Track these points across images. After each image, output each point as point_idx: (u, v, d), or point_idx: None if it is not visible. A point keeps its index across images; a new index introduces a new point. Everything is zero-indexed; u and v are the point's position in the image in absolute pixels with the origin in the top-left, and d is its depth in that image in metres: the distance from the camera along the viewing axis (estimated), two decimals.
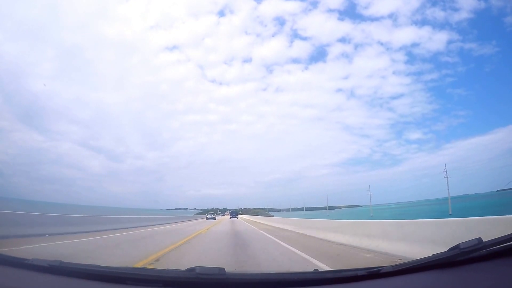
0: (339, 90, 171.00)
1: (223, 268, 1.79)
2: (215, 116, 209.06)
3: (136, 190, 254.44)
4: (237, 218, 47.34)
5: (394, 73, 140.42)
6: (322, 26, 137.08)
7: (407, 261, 2.09)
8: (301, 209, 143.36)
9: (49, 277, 1.85)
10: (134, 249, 8.17)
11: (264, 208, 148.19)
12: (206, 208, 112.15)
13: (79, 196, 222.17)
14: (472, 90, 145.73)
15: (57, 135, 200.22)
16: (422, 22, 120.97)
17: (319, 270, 2.59)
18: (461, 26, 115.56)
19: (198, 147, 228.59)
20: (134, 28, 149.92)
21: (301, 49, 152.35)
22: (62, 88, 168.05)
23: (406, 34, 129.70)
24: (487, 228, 4.22)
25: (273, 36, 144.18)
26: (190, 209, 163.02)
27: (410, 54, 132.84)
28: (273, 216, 54.57)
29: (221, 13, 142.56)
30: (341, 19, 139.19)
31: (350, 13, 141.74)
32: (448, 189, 58.10)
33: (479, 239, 1.57)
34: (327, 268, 4.89)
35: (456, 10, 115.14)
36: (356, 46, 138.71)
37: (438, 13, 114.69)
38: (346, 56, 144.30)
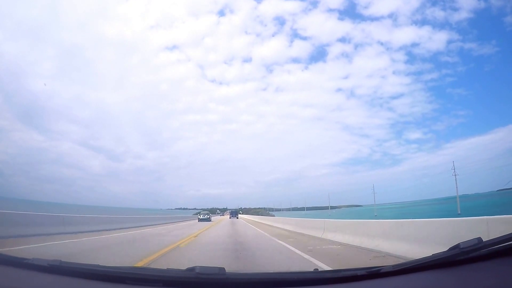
0: (339, 90, 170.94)
1: (223, 268, 1.78)
2: (215, 116, 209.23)
3: (136, 190, 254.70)
4: (237, 218, 47.41)
5: (394, 73, 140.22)
6: (322, 25, 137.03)
7: (407, 260, 2.09)
8: (302, 209, 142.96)
9: (49, 276, 1.85)
10: None
11: (264, 207, 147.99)
12: (206, 208, 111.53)
13: (79, 196, 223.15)
14: (472, 90, 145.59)
15: (57, 135, 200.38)
16: (422, 22, 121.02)
17: (319, 270, 2.59)
18: (461, 26, 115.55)
19: (198, 146, 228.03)
20: (134, 27, 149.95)
21: (301, 48, 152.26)
22: (62, 87, 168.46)
23: (406, 34, 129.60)
24: (488, 227, 4.21)
25: (273, 35, 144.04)
26: (190, 209, 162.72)
27: (410, 54, 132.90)
28: (274, 216, 54.39)
29: (221, 13, 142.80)
30: (341, 18, 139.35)
31: (350, 12, 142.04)
32: (456, 187, 57.21)
33: (479, 239, 1.56)
34: (327, 268, 4.89)
35: (456, 10, 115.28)
36: (356, 46, 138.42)
37: (438, 13, 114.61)
38: (346, 56, 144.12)
